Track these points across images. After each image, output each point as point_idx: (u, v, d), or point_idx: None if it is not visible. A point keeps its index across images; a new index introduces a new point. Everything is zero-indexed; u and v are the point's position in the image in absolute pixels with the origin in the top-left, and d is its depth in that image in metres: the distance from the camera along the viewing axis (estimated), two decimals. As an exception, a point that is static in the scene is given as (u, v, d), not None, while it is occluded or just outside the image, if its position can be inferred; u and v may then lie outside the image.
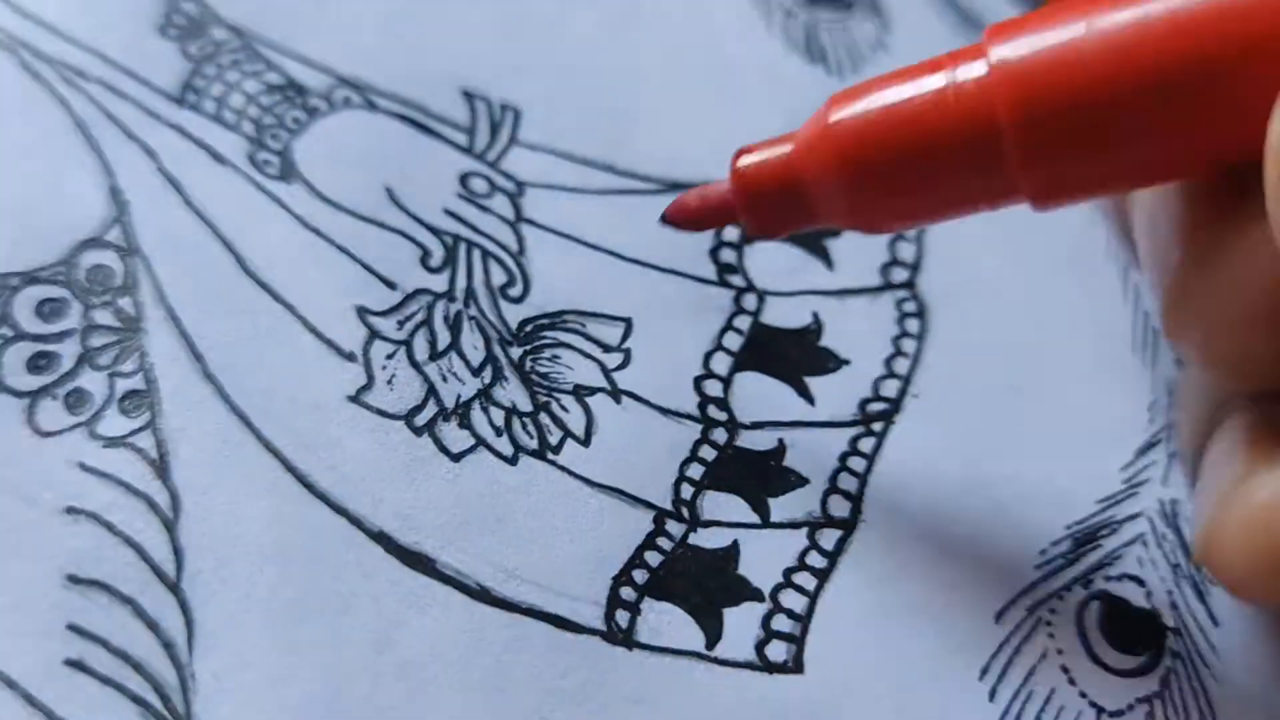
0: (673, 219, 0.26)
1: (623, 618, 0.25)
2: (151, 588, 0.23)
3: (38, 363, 0.25)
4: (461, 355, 0.27)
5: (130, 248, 0.26)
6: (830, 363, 0.29)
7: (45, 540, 0.23)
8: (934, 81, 0.22)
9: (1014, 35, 0.22)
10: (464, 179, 0.29)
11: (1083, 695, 0.26)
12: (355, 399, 0.26)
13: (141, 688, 0.22)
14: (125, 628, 0.23)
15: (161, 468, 0.24)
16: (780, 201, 0.24)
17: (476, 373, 0.27)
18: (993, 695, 0.26)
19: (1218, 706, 0.26)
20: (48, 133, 0.27)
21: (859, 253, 0.30)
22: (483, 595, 0.24)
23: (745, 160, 0.25)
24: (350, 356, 0.26)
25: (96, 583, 0.23)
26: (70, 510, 0.23)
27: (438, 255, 0.28)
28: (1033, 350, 0.30)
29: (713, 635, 0.25)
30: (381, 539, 0.24)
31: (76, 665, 0.22)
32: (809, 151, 0.24)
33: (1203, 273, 0.22)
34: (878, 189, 0.23)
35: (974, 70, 0.22)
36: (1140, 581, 0.27)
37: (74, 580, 0.23)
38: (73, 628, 0.22)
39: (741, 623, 0.25)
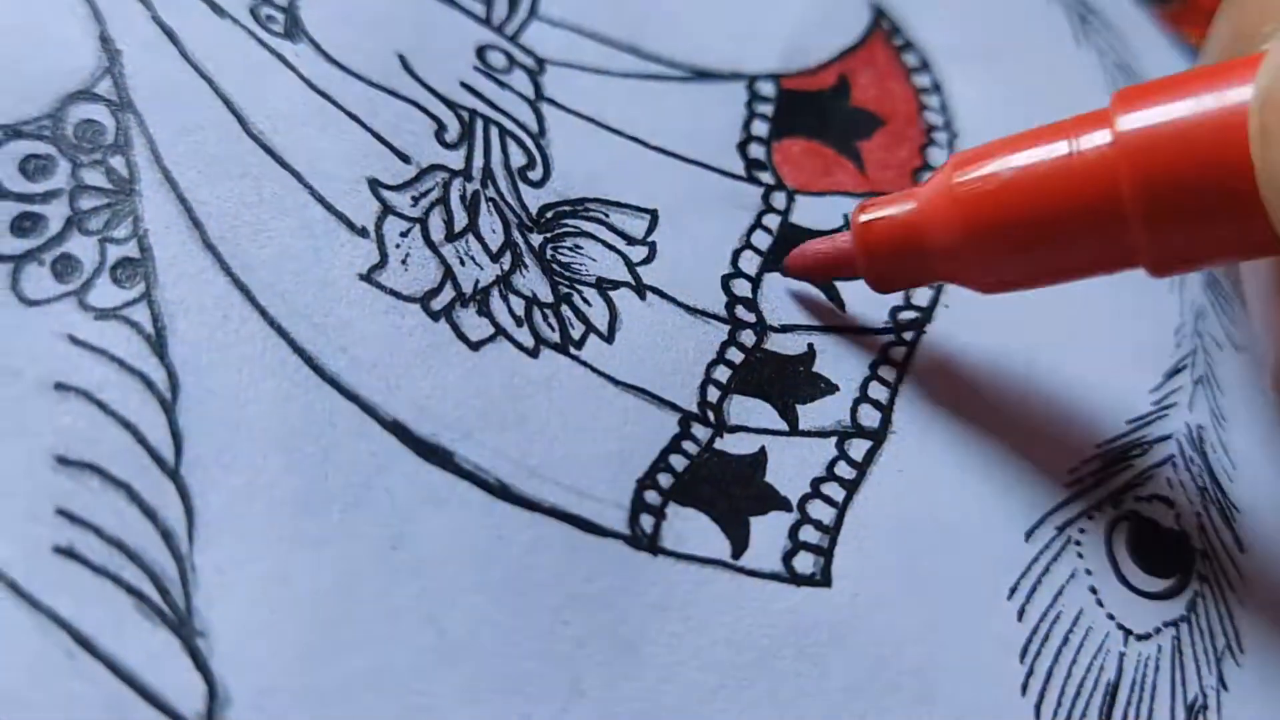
0: (792, 269, 0.27)
1: (647, 522, 0.23)
2: (148, 473, 0.21)
3: (22, 224, 0.22)
4: (479, 238, 0.25)
5: (122, 102, 0.24)
6: (860, 267, 0.28)
7: (31, 418, 0.21)
8: (1058, 148, 0.23)
9: (1139, 104, 0.22)
10: (481, 51, 0.27)
11: (1110, 617, 0.25)
12: (367, 278, 0.24)
13: (137, 578, 0.20)
14: (119, 514, 0.21)
15: (158, 343, 0.22)
16: (901, 258, 0.25)
17: (495, 258, 0.25)
18: (1021, 615, 0.25)
19: (1243, 633, 0.26)
20: (31, -29, 0.25)
21: (890, 157, 0.29)
22: (503, 492, 0.23)
23: (867, 216, 0.25)
24: (362, 231, 0.24)
25: (88, 465, 0.21)
26: (59, 386, 0.21)
27: (454, 130, 0.26)
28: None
29: (739, 544, 0.24)
30: (396, 429, 0.22)
31: (66, 553, 0.20)
32: (932, 211, 0.24)
33: None
34: (999, 252, 0.24)
35: (1098, 139, 0.22)
36: (1170, 503, 0.27)
37: (63, 462, 0.21)
38: (62, 512, 0.20)
39: (768, 532, 0.24)
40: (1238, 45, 0.24)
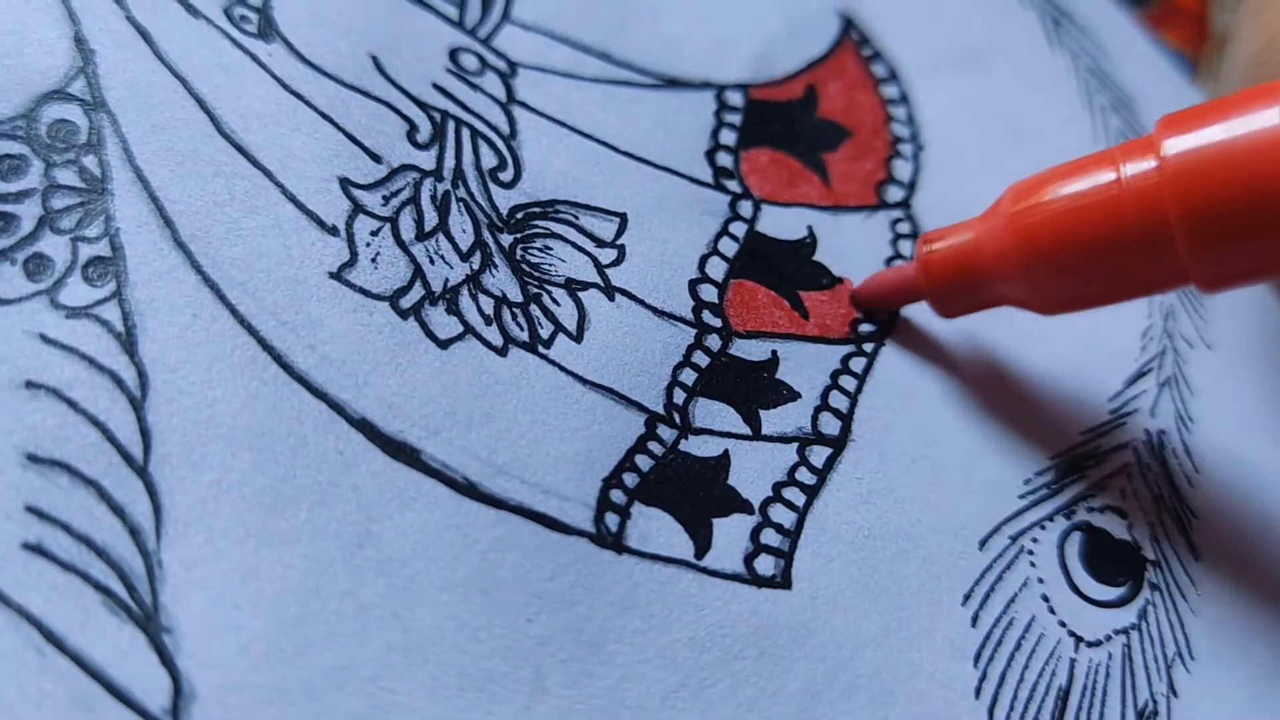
0: (863, 298, 0.28)
1: (612, 521, 0.24)
2: (117, 470, 0.21)
3: (-6, 221, 0.22)
4: (450, 238, 0.25)
5: (96, 102, 0.24)
6: (824, 278, 0.28)
7: (2, 416, 0.21)
8: (1106, 176, 0.24)
9: (1183, 129, 0.23)
10: (454, 54, 0.27)
11: (1062, 624, 0.26)
12: (337, 276, 0.24)
13: (105, 575, 0.20)
14: (88, 511, 0.21)
15: (128, 342, 0.22)
16: (963, 285, 0.26)
17: (465, 257, 0.25)
18: (975, 621, 0.25)
19: (1194, 640, 0.27)
20: (6, -30, 0.25)
21: (855, 170, 0.30)
22: (469, 490, 0.23)
23: (931, 247, 0.26)
24: (332, 230, 0.24)
25: (58, 463, 0.21)
26: (29, 384, 0.21)
27: (425, 131, 0.26)
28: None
29: (702, 545, 0.24)
30: (364, 427, 0.23)
31: (35, 549, 0.20)
32: (990, 240, 0.25)
33: None
34: (1055, 278, 0.25)
35: (1144, 165, 0.23)
36: (1122, 513, 0.27)
37: (33, 460, 0.21)
38: (32, 510, 0.20)
39: (730, 534, 0.24)
40: (1275, 23, 0.25)
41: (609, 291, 0.26)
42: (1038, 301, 0.25)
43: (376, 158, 0.25)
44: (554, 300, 0.25)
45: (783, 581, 0.24)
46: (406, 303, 0.24)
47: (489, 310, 0.25)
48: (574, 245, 0.26)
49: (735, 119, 0.29)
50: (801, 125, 0.30)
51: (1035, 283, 0.25)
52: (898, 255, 0.29)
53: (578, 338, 0.25)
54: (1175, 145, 0.23)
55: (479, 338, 0.24)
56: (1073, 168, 0.24)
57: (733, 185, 0.28)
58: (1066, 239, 0.24)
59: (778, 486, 0.25)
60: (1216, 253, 0.23)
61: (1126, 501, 0.27)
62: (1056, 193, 0.24)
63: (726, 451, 0.25)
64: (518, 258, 0.25)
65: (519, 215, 0.26)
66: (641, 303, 0.26)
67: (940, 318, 0.27)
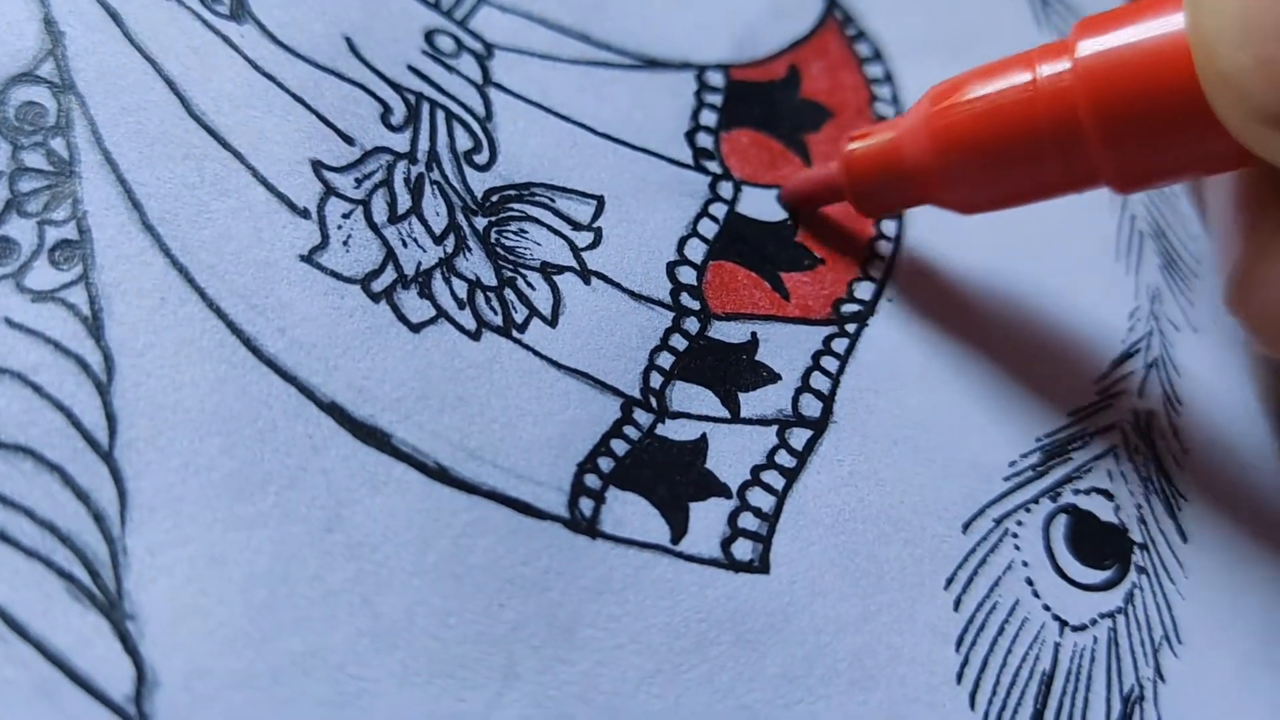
0: (785, 196, 0.28)
1: (586, 506, 0.23)
2: (81, 455, 0.21)
3: (-42, 205, 0.22)
4: (423, 220, 0.25)
5: (64, 84, 0.24)
6: (805, 260, 0.28)
7: (-36, 399, 0.21)
8: (1023, 77, 0.24)
9: (1097, 31, 0.23)
10: (429, 35, 0.27)
11: (1046, 608, 0.26)
12: (308, 259, 0.24)
13: (69, 561, 0.20)
14: (52, 497, 0.20)
15: (94, 326, 0.22)
16: (883, 184, 0.26)
17: (439, 240, 0.25)
18: (957, 605, 0.25)
19: (1182, 623, 0.26)
20: (-27, -48, 0.24)
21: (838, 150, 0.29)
22: (441, 475, 0.23)
23: (852, 146, 0.27)
24: (303, 213, 0.24)
25: (21, 448, 0.21)
26: (-7, 368, 0.21)
27: (399, 113, 0.26)
28: (1012, 257, 0.29)
29: (678, 529, 0.24)
30: (333, 410, 0.22)
31: (-2, 534, 0.20)
32: (910, 138, 0.26)
33: (1262, 263, 0.24)
34: (972, 176, 0.25)
35: (1059, 66, 0.24)
36: (1109, 495, 0.27)
37: (-4, 443, 0.21)
38: (-6, 494, 0.20)
39: (708, 518, 0.24)
40: None
41: (585, 275, 0.26)
42: (956, 200, 0.26)
43: (349, 140, 0.25)
44: (529, 284, 0.25)
45: (761, 566, 0.24)
46: (378, 286, 0.24)
47: (462, 294, 0.24)
48: (549, 228, 0.26)
49: (716, 100, 0.29)
50: (783, 106, 0.29)
51: (952, 181, 0.25)
52: (881, 237, 0.28)
53: (552, 322, 0.25)
54: (1088, 46, 0.23)
55: (452, 321, 0.24)
56: (991, 69, 0.25)
57: (713, 166, 0.28)
58: (983, 138, 0.24)
59: (756, 470, 0.25)
60: (1126, 152, 0.23)
61: (1114, 484, 0.27)
62: (974, 93, 0.25)
63: (704, 435, 0.25)
64: (492, 241, 0.25)
65: (494, 198, 0.26)
66: (618, 286, 0.26)
67: (862, 215, 0.28)
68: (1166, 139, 0.23)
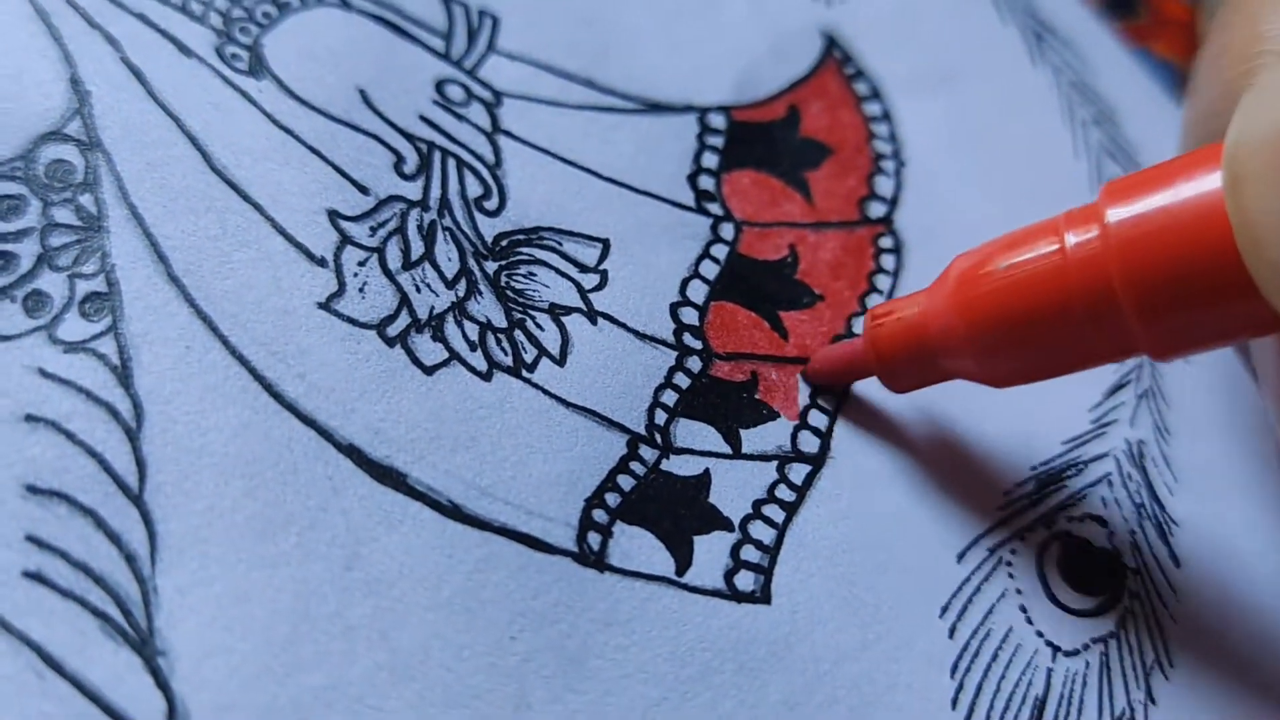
0: (812, 375, 0.28)
1: (594, 540, 0.24)
2: (113, 499, 0.22)
3: (-6, 260, 0.23)
4: (435, 266, 0.26)
5: (91, 142, 0.25)
6: (805, 297, 0.29)
7: (3, 449, 0.22)
8: (1050, 246, 0.23)
9: (1126, 197, 0.22)
10: (440, 85, 0.28)
11: (1039, 634, 0.26)
12: (325, 306, 0.25)
13: (103, 601, 0.21)
14: (86, 540, 0.22)
15: (124, 374, 0.23)
16: (912, 360, 0.26)
17: (451, 285, 0.26)
18: (952, 632, 0.26)
19: (1173, 647, 0.27)
20: (4, 20, 0.26)
21: (838, 186, 0.30)
22: (454, 513, 0.24)
23: (878, 322, 0.26)
24: (321, 261, 0.25)
25: (56, 493, 0.22)
26: (29, 418, 0.22)
27: (412, 162, 0.27)
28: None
29: (683, 562, 0.25)
30: (351, 452, 0.24)
31: (35, 577, 0.21)
32: (936, 314, 0.25)
33: None
34: (1003, 351, 0.24)
35: (1088, 234, 0.22)
36: (1103, 522, 0.28)
37: (33, 490, 0.22)
38: (32, 539, 0.21)
39: (711, 551, 0.25)
40: (1226, 72, 0.24)
41: (592, 316, 0.27)
42: (987, 375, 0.25)
43: (364, 189, 0.26)
44: (537, 325, 0.26)
45: (762, 597, 0.25)
46: (393, 330, 0.25)
47: (474, 336, 0.25)
48: (557, 271, 0.27)
49: (717, 141, 0.30)
50: (784, 145, 0.30)
51: (983, 356, 0.24)
52: (879, 270, 0.29)
53: (561, 361, 0.26)
54: (1118, 213, 0.22)
55: (464, 363, 0.25)
56: (1017, 238, 0.24)
57: (714, 208, 0.29)
58: (1012, 312, 0.24)
59: (758, 504, 0.26)
60: (1164, 322, 0.22)
61: (1107, 510, 0.28)
62: (1000, 264, 0.24)
63: (707, 470, 0.26)
64: (502, 284, 0.26)
65: (504, 243, 0.27)
66: (624, 326, 0.27)
67: (892, 393, 0.27)
68: (1206, 309, 0.22)
